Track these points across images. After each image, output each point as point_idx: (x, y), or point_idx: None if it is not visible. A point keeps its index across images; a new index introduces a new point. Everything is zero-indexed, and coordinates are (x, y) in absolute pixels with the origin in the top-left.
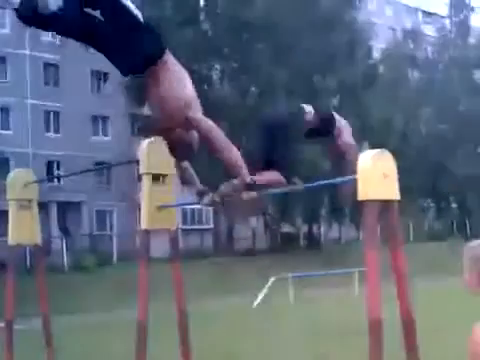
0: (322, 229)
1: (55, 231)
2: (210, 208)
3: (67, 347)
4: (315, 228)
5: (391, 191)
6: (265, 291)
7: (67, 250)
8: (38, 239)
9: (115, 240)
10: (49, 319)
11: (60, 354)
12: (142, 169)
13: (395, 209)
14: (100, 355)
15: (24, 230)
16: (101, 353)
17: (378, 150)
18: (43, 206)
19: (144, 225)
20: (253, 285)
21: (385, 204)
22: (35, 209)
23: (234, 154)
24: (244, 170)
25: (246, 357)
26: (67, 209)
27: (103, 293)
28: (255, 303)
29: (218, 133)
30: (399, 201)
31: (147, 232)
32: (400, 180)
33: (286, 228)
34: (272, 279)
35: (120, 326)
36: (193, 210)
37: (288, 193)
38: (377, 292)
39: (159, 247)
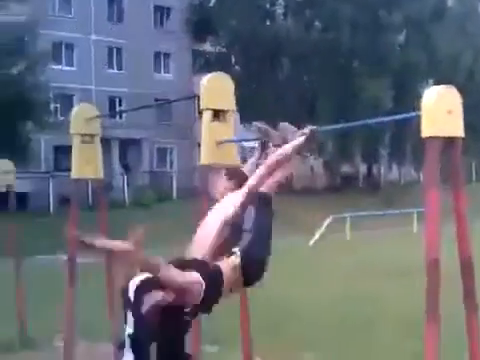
0: (382, 170)
1: (117, 167)
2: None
3: None
4: (374, 169)
5: (455, 128)
6: (322, 230)
7: (128, 186)
8: (101, 174)
9: (175, 177)
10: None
11: None
12: (202, 104)
13: (459, 147)
14: None
15: (87, 165)
16: None
17: (443, 86)
18: (105, 142)
19: (204, 160)
20: (311, 223)
21: (448, 141)
22: (98, 144)
23: None
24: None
25: (298, 296)
26: (128, 146)
27: (163, 228)
28: (312, 241)
29: None
30: (463, 139)
31: (207, 167)
32: (465, 118)
33: (345, 168)
34: (330, 218)
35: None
36: (253, 149)
37: (348, 132)
38: (436, 232)
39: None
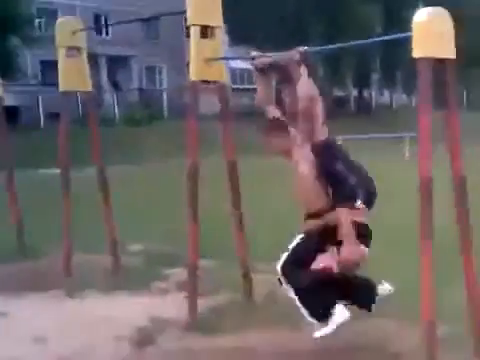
0: (373, 94)
1: (105, 85)
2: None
3: (121, 193)
4: (366, 93)
5: (447, 49)
6: None
7: (118, 104)
8: (89, 86)
9: (165, 95)
10: (104, 165)
11: (115, 198)
12: (189, 20)
13: (451, 68)
14: (152, 199)
15: (74, 77)
16: (154, 197)
17: (435, 7)
18: (93, 59)
19: (192, 77)
20: None
21: (440, 63)
22: (84, 56)
23: None
24: None
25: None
26: (117, 64)
27: (154, 146)
28: None
29: None
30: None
31: (196, 84)
32: (456, 44)
33: (337, 92)
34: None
35: (173, 174)
36: (243, 70)
37: (339, 56)
38: (428, 150)
39: (210, 107)
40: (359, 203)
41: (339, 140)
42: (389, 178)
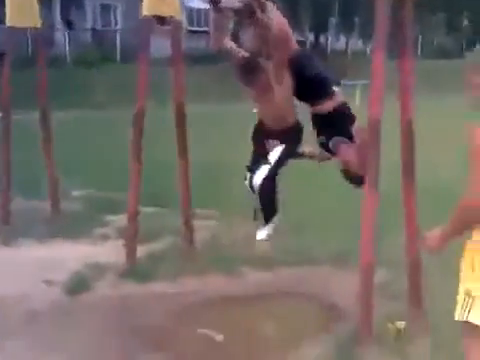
0: (329, 39)
1: (58, 23)
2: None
3: (67, 138)
4: (322, 38)
5: None
6: None
7: (69, 44)
8: (38, 22)
9: (119, 36)
10: (48, 107)
11: (60, 143)
12: None
13: (409, 7)
14: (99, 145)
15: (23, 11)
16: (100, 143)
17: None
18: None
19: (145, 10)
20: None
21: (397, 2)
22: None
23: None
24: None
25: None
26: (71, 1)
27: (105, 90)
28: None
29: None
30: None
31: (149, 20)
32: None
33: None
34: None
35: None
36: (200, 11)
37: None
38: (380, 91)
39: (164, 51)
40: (335, 87)
41: None
42: None
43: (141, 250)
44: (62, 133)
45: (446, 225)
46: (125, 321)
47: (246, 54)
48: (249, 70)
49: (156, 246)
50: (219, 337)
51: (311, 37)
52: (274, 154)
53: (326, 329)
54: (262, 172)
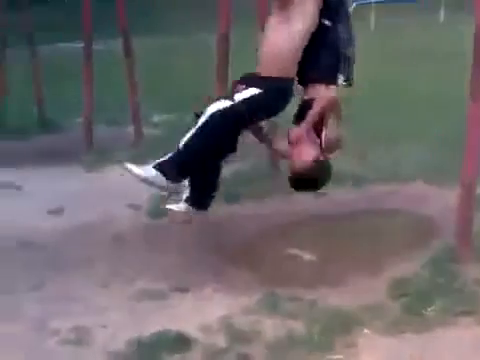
0: None
1: None
2: None
3: (146, 64)
4: None
5: None
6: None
7: None
8: None
9: None
10: (129, 33)
11: (139, 70)
12: None
13: None
14: (178, 70)
15: None
16: (179, 68)
17: None
18: None
19: None
20: None
21: None
22: None
23: None
24: None
25: None
26: None
27: (180, 16)
28: None
29: None
30: None
31: None
32: None
33: None
34: (353, 4)
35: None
36: None
37: None
38: None
39: None
40: (341, 80)
41: (371, 2)
42: (422, 43)
43: (226, 171)
44: (142, 59)
45: None
46: (214, 241)
47: None
48: None
49: (241, 167)
50: (309, 256)
51: None
52: (243, 94)
53: (422, 245)
54: (220, 104)
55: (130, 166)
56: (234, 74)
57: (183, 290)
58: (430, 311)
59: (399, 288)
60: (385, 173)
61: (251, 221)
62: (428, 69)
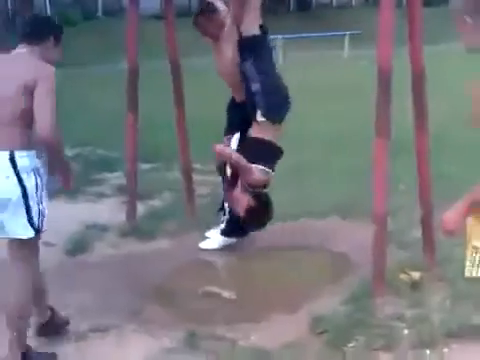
0: None
1: None
2: None
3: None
4: None
5: None
6: None
7: (50, 2)
8: None
9: None
10: None
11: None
12: None
13: None
14: (91, 104)
15: None
16: (92, 102)
17: None
18: None
19: None
20: None
21: None
22: None
23: None
24: None
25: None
26: None
27: (91, 47)
28: None
29: None
30: None
31: None
32: None
33: None
34: (279, 38)
35: (112, 78)
36: None
37: None
38: (389, 43)
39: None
40: (260, 115)
41: (278, 39)
42: (329, 78)
43: (141, 207)
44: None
45: (462, 204)
46: (128, 280)
47: None
48: (204, 14)
49: (156, 203)
50: (228, 294)
51: None
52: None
53: (340, 281)
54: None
55: (206, 245)
56: (146, 103)
57: (102, 330)
58: (351, 347)
59: (319, 325)
60: (298, 209)
61: (167, 258)
62: (333, 105)
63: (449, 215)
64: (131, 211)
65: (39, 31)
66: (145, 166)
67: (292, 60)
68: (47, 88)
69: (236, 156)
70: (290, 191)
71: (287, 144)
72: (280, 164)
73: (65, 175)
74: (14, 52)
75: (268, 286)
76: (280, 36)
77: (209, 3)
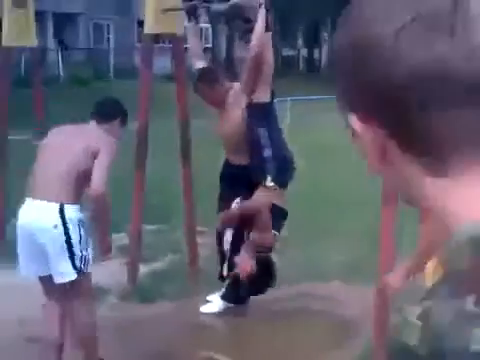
0: (323, 54)
1: (51, 43)
2: (209, 26)
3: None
4: (316, 53)
5: None
6: None
7: (63, 62)
8: (34, 41)
9: (112, 55)
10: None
11: None
12: None
13: None
14: None
15: (20, 31)
16: None
17: None
18: (39, 15)
19: (147, 29)
20: None
21: None
22: (31, 9)
23: None
24: None
25: None
26: (63, 22)
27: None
28: None
29: None
30: None
31: (150, 38)
32: None
33: (286, 51)
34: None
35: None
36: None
37: (290, 12)
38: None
39: (160, 65)
40: (269, 181)
41: (287, 101)
42: (337, 138)
43: (143, 269)
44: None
45: (409, 262)
46: (128, 344)
47: (203, 64)
48: (204, 80)
49: (158, 265)
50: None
51: (304, 52)
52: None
53: (342, 347)
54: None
55: (207, 309)
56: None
57: None
58: None
59: None
60: (302, 273)
61: (168, 322)
62: (341, 166)
63: (396, 274)
64: (132, 274)
65: (107, 113)
66: (150, 227)
67: (300, 121)
68: (107, 154)
69: (246, 204)
70: (295, 253)
71: (295, 205)
72: (286, 226)
73: (104, 243)
74: (84, 125)
75: (270, 351)
76: (289, 98)
77: (209, 70)
